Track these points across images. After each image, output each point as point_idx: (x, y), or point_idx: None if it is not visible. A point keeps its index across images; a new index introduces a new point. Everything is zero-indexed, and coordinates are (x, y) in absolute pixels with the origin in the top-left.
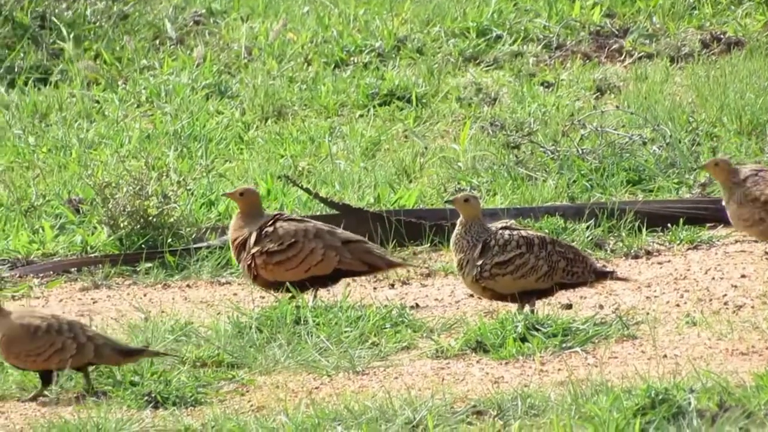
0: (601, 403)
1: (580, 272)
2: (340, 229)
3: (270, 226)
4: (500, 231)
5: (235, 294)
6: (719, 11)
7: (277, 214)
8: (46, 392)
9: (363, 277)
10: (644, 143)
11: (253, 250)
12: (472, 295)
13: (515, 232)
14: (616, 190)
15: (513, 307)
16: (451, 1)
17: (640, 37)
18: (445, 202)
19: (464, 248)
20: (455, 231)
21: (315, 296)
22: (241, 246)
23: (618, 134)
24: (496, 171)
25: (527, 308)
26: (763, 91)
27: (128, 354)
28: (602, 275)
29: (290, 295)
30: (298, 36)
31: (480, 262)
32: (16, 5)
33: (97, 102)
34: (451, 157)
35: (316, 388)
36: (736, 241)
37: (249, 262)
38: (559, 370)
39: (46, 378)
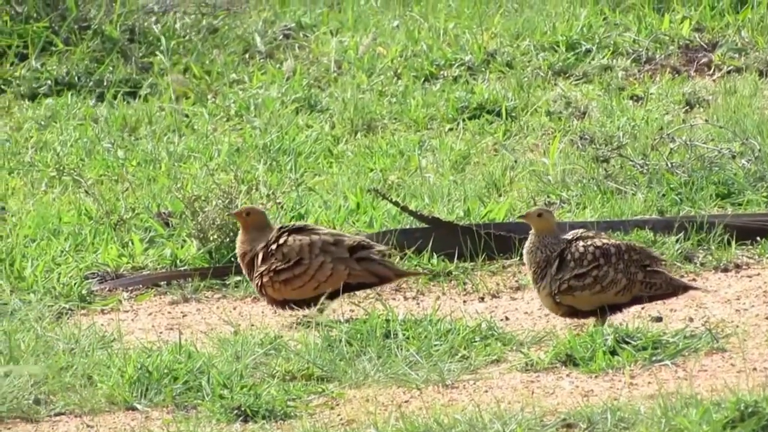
0: (690, 417)
1: (659, 284)
2: (345, 234)
3: (275, 242)
4: (575, 242)
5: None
6: None
7: (281, 228)
8: None
9: (445, 292)
10: (733, 157)
11: (261, 269)
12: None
13: (590, 243)
14: (705, 203)
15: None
16: (540, 15)
17: (729, 51)
18: (518, 217)
19: (538, 262)
20: (528, 243)
21: (326, 310)
22: (251, 263)
23: (707, 148)
24: (585, 184)
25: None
26: None
27: None
28: (680, 288)
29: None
30: (387, 50)
31: (558, 277)
32: (105, 19)
33: (187, 116)
34: (540, 171)
35: (406, 401)
36: None
37: (257, 282)
38: (648, 383)
39: None
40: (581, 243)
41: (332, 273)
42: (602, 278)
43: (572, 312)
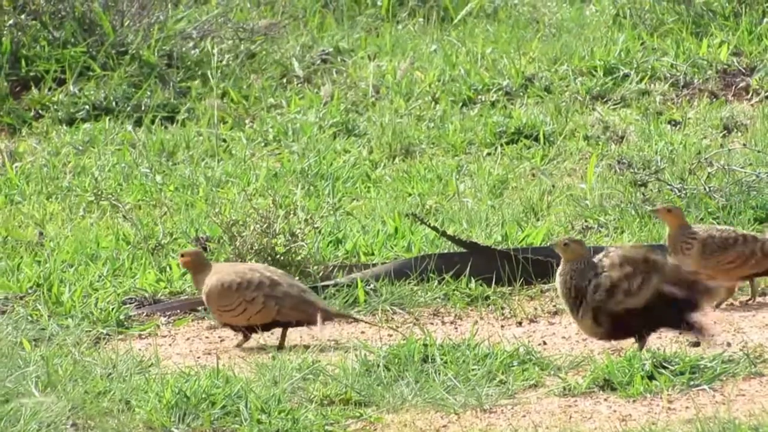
0: None
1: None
2: (288, 280)
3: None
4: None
5: (362, 332)
6: None
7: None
8: None
9: (483, 317)
10: None
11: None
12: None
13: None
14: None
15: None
16: (578, 39)
17: (767, 75)
18: (549, 245)
19: (570, 289)
20: (559, 272)
21: (283, 337)
22: None
23: (745, 172)
24: (623, 209)
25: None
26: None
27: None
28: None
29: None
30: (425, 74)
31: (591, 300)
32: (143, 44)
33: (224, 140)
34: (578, 195)
35: (444, 426)
36: None
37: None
38: (686, 407)
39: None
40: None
41: (263, 308)
42: (634, 278)
43: (610, 334)
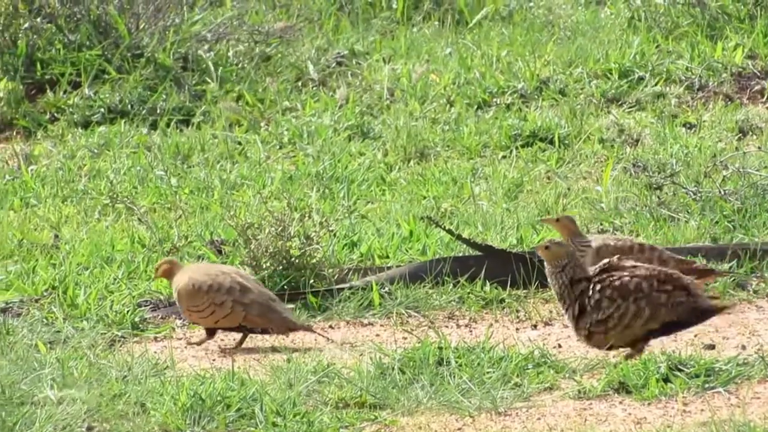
0: None
1: (684, 301)
2: (258, 287)
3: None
4: (593, 284)
5: (377, 335)
6: None
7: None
8: None
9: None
10: None
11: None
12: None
13: (608, 282)
14: (759, 231)
15: (654, 348)
16: (593, 42)
17: None
18: (531, 248)
19: (557, 292)
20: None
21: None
22: None
23: (760, 175)
24: (638, 212)
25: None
26: None
27: None
28: (708, 311)
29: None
30: (440, 77)
31: (581, 325)
32: (158, 47)
33: (240, 143)
34: (593, 198)
35: (459, 429)
36: None
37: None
38: (701, 410)
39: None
40: (599, 286)
41: (231, 312)
42: (623, 316)
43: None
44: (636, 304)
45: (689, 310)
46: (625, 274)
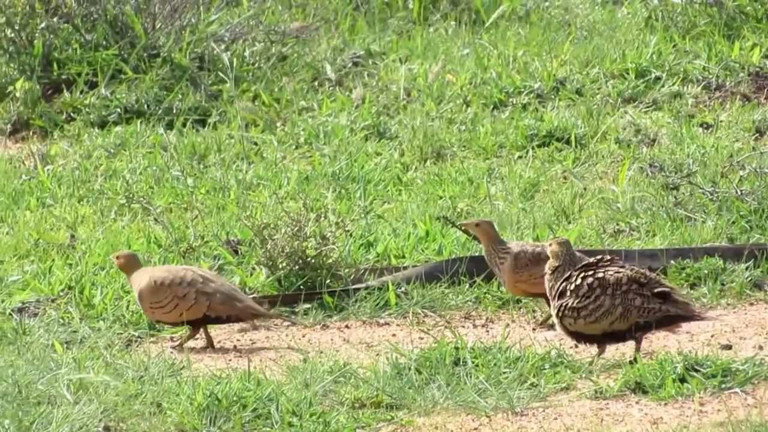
0: None
1: (657, 308)
2: (219, 279)
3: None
4: (576, 273)
5: (393, 335)
6: None
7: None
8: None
9: (516, 319)
10: None
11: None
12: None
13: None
14: None
15: (671, 348)
16: (610, 42)
17: None
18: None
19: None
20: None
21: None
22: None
23: None
24: (654, 212)
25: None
26: None
27: None
28: (688, 316)
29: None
30: (457, 77)
31: (557, 303)
32: (175, 47)
33: (256, 143)
34: (610, 198)
35: (475, 429)
36: None
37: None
38: (718, 410)
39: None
40: (582, 273)
41: (194, 303)
42: (597, 309)
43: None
44: (611, 300)
45: (660, 318)
46: (611, 270)
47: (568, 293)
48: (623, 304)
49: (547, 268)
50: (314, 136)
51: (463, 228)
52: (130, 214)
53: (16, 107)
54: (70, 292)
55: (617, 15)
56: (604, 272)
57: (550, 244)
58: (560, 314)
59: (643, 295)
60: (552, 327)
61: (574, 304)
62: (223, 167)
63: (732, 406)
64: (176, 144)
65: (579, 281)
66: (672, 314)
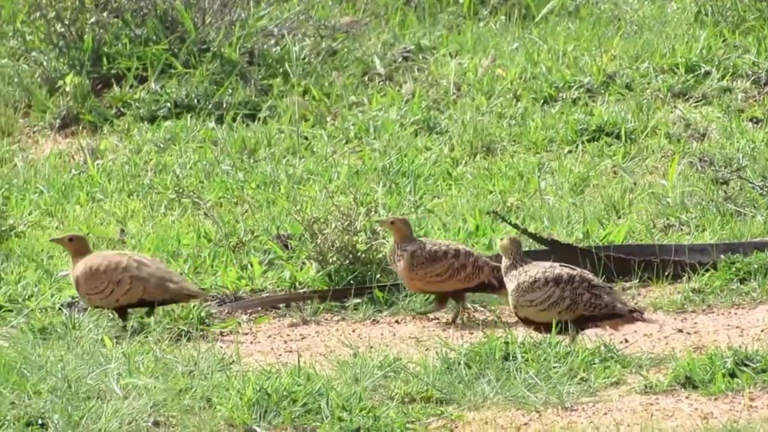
0: None
1: (604, 304)
2: (156, 263)
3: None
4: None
5: (443, 329)
6: None
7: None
8: None
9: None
10: None
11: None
12: (680, 330)
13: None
14: None
15: (721, 343)
16: (660, 37)
17: None
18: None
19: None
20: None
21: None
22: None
23: None
24: (704, 207)
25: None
26: None
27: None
28: (625, 313)
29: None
30: (506, 72)
31: (515, 296)
32: (225, 41)
33: (306, 138)
34: (659, 193)
35: (525, 423)
36: None
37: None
38: None
39: None
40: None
41: (130, 288)
42: (547, 299)
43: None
44: (561, 292)
45: (604, 313)
46: (567, 267)
47: (525, 285)
48: (570, 297)
49: (503, 266)
50: (364, 130)
51: (506, 218)
52: (180, 209)
53: (65, 102)
54: None
55: (667, 10)
56: (561, 268)
57: (502, 239)
58: (515, 304)
59: (593, 293)
60: (454, 322)
61: (530, 297)
62: (273, 161)
63: None
64: (226, 138)
65: (535, 274)
66: (616, 311)
